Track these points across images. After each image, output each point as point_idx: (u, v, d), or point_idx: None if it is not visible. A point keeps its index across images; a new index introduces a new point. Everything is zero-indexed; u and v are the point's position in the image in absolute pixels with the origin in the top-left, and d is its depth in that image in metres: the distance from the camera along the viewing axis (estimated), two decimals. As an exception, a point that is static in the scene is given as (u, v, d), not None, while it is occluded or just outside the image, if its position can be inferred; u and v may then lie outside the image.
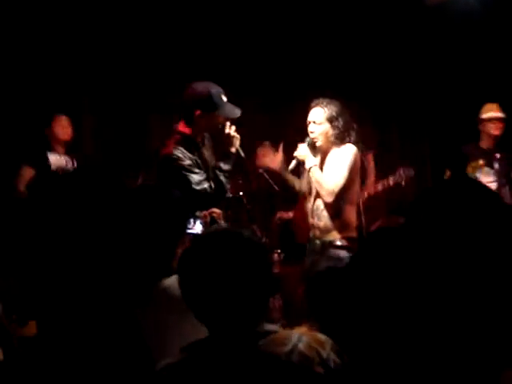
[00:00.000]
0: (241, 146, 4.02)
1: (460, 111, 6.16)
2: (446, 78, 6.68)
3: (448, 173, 5.58)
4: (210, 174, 3.92)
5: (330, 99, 4.31)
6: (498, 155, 5.51)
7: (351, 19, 6.53)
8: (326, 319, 2.33)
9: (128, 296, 2.29)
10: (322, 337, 1.77)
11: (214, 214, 2.75)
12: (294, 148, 4.38)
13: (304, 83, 6.47)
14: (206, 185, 3.80)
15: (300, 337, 1.76)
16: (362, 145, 4.39)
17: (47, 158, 5.50)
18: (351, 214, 4.34)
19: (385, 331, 1.36)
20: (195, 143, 3.94)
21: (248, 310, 1.78)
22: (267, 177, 5.64)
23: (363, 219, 4.53)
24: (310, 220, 4.41)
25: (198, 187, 3.76)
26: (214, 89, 3.87)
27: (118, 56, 6.16)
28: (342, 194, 4.25)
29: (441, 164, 5.85)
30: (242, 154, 4.03)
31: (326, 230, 4.27)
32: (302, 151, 4.31)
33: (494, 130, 5.54)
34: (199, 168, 3.88)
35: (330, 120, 4.24)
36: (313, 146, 4.34)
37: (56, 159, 5.55)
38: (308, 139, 4.32)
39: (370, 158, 5.67)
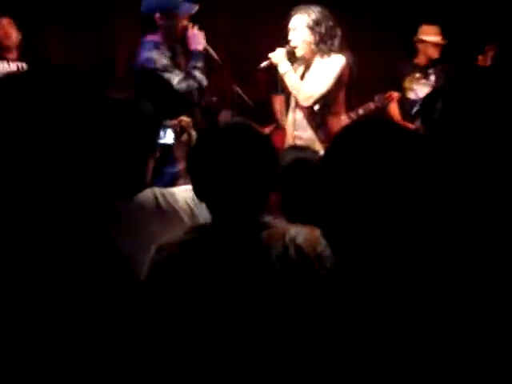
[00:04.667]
0: (210, 46, 4.16)
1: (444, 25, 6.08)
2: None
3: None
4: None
5: (312, 5, 4.15)
6: (431, 69, 5.78)
7: None
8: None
9: (101, 211, 2.26)
10: (317, 233, 1.80)
11: (183, 123, 2.68)
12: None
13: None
14: (185, 83, 3.91)
15: (298, 231, 1.85)
16: (347, 53, 4.23)
17: None
18: (336, 126, 4.18)
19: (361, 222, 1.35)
20: (166, 48, 4.05)
21: (251, 199, 1.87)
22: (241, 93, 5.53)
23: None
24: (292, 132, 4.33)
25: (179, 86, 3.87)
26: None
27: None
28: (326, 104, 4.17)
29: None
30: (212, 52, 4.15)
31: (311, 141, 4.15)
32: (278, 55, 4.16)
33: (435, 53, 5.75)
34: (175, 68, 3.99)
35: (311, 27, 4.08)
36: (292, 54, 4.20)
37: (3, 67, 5.18)
38: (288, 46, 4.18)
39: None
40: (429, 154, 1.38)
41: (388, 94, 5.30)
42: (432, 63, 5.80)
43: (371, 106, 5.19)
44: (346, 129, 1.50)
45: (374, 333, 1.34)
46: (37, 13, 5.75)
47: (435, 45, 5.74)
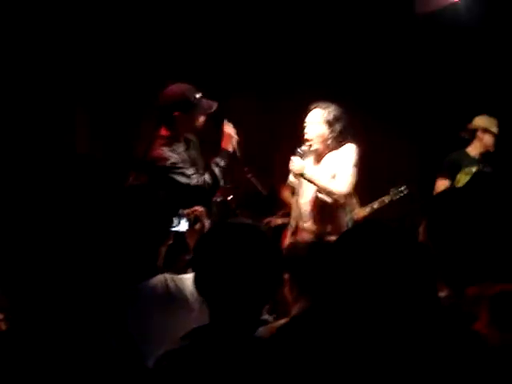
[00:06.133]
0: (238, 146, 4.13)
1: (448, 118, 6.18)
2: (435, 83, 6.72)
3: (440, 181, 5.58)
4: (200, 170, 4.00)
5: (330, 103, 4.26)
6: (486, 167, 5.60)
7: (344, 24, 6.54)
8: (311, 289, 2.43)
9: (113, 295, 2.30)
10: None
11: (197, 213, 2.75)
12: (288, 150, 4.35)
13: (298, 81, 6.50)
14: (196, 179, 3.90)
15: None
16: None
17: None
18: (344, 219, 4.30)
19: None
20: (179, 143, 3.99)
21: (255, 301, 1.85)
22: (255, 182, 5.64)
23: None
24: (300, 224, 4.33)
25: (187, 181, 3.86)
26: (188, 88, 3.97)
27: (111, 61, 6.14)
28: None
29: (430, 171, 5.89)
30: (238, 154, 4.12)
31: (320, 234, 4.06)
32: (297, 165, 4.23)
33: (492, 144, 5.64)
34: (187, 163, 3.94)
35: (329, 123, 4.18)
36: (302, 155, 4.28)
37: None
38: (299, 150, 4.26)
39: None
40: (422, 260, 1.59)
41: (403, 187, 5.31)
42: (485, 156, 5.66)
43: (385, 200, 5.21)
44: (353, 229, 1.82)
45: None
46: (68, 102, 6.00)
47: (495, 137, 5.63)
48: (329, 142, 4.22)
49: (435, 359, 1.57)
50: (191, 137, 4.13)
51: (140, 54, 6.17)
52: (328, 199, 4.23)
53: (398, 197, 5.19)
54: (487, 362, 1.61)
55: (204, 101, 4.01)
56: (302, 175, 4.26)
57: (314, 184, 4.24)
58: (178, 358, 1.79)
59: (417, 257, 1.61)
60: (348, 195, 4.34)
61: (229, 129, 4.08)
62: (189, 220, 2.78)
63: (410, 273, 1.58)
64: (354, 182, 4.22)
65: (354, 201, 5.37)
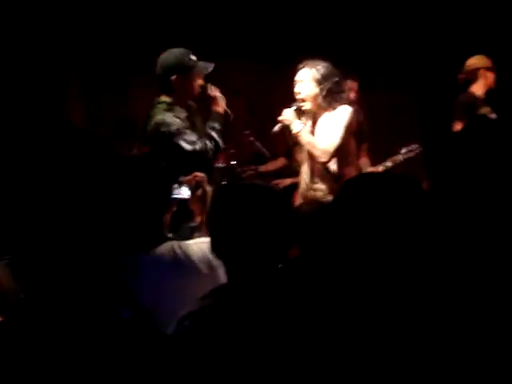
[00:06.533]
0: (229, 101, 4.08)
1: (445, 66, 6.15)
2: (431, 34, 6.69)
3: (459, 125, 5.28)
4: (202, 136, 3.93)
5: (319, 60, 4.12)
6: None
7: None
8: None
9: (119, 266, 2.32)
10: None
11: (198, 178, 2.76)
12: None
13: (293, 45, 6.45)
14: (199, 144, 3.84)
15: None
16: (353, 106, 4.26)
17: None
18: (352, 175, 4.22)
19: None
20: (180, 108, 3.95)
21: (271, 258, 1.90)
22: (258, 144, 5.63)
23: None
24: (310, 184, 4.24)
25: (191, 147, 3.81)
26: (182, 51, 3.95)
27: (105, 27, 6.13)
28: (340, 155, 4.12)
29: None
30: (230, 114, 4.07)
31: (330, 192, 4.10)
32: (288, 115, 4.13)
33: (494, 81, 5.51)
34: (189, 129, 3.90)
35: (318, 81, 4.05)
36: (300, 111, 4.16)
37: None
38: (295, 104, 4.15)
39: (354, 86, 5.53)
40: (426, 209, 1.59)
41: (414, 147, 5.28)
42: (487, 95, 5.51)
43: (400, 157, 5.20)
44: (352, 180, 1.72)
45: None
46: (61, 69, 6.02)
47: (495, 74, 5.49)
48: (319, 101, 4.09)
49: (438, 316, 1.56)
50: (191, 103, 4.08)
51: (136, 19, 6.16)
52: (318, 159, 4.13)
53: (410, 155, 5.17)
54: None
55: (200, 62, 3.98)
56: (289, 127, 4.18)
57: (300, 139, 4.17)
58: (201, 317, 1.83)
59: (421, 205, 1.60)
60: (353, 154, 4.29)
61: (214, 91, 4.03)
62: (190, 187, 2.79)
63: (413, 220, 1.57)
64: (341, 143, 4.06)
65: (366, 160, 5.38)
